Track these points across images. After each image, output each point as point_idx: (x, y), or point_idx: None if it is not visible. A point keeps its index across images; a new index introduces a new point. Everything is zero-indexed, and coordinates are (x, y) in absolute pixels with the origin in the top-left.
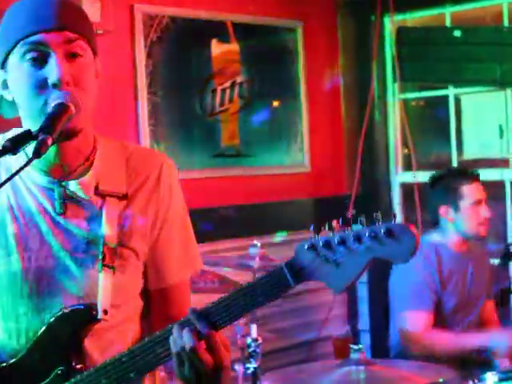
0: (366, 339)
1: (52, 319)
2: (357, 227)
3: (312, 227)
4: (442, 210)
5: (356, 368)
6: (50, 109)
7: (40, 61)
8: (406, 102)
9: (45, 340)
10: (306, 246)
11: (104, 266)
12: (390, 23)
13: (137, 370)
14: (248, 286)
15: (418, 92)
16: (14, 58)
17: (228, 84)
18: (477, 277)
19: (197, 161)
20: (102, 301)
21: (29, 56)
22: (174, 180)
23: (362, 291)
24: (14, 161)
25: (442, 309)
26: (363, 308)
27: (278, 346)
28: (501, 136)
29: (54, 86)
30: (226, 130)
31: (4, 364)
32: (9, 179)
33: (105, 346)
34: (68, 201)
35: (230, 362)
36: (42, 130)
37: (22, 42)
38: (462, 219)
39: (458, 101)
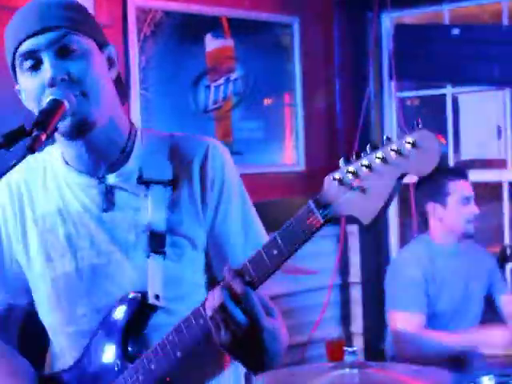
0: (358, 342)
1: (104, 317)
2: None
3: (341, 160)
4: (430, 207)
5: (350, 371)
6: (43, 105)
7: (35, 67)
8: (402, 101)
9: (101, 336)
10: (331, 178)
11: (152, 252)
12: (387, 20)
13: (183, 347)
14: (279, 233)
15: (414, 91)
16: (18, 70)
17: (222, 80)
18: (473, 276)
19: None
20: (151, 287)
21: (25, 66)
22: (226, 160)
23: (356, 293)
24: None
25: (436, 309)
26: (357, 310)
27: None
28: (499, 136)
29: (50, 86)
30: (220, 127)
31: (64, 369)
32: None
33: None
34: (111, 194)
35: (273, 324)
36: (35, 125)
37: (17, 54)
38: (449, 216)
39: (455, 100)
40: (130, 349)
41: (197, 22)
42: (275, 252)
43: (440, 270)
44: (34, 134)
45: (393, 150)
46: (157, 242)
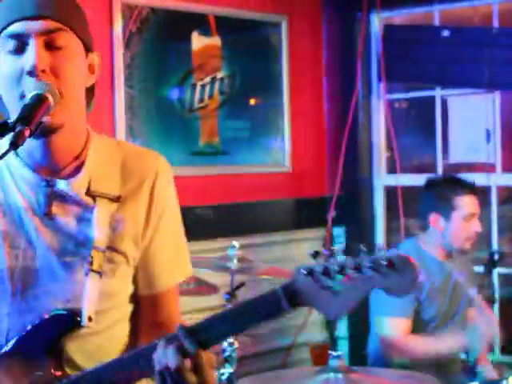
0: (343, 347)
1: (33, 324)
2: (358, 257)
3: (311, 252)
4: (432, 217)
5: (334, 375)
6: (27, 99)
7: (19, 50)
8: (390, 103)
9: (24, 345)
10: (304, 271)
11: (91, 270)
12: (377, 20)
13: (118, 381)
14: (241, 306)
15: (403, 92)
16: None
17: (208, 79)
18: (459, 286)
19: (174, 158)
20: (87, 307)
21: (9, 46)
22: (170, 185)
23: None
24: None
25: (421, 316)
26: None
27: (253, 351)
28: (488, 140)
29: (29, 73)
30: (205, 127)
31: None
32: None
33: (91, 350)
34: (57, 200)
35: (215, 382)
36: (18, 120)
37: (3, 33)
38: (450, 230)
39: (444, 102)
40: (50, 363)
41: (183, 19)
42: (235, 321)
43: (429, 276)
44: (18, 129)
45: (370, 265)
46: (96, 260)
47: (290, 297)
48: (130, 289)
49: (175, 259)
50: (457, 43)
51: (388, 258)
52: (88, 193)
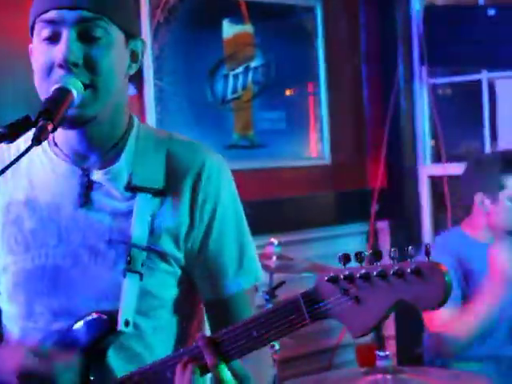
0: (391, 346)
1: (69, 328)
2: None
3: (338, 258)
4: (478, 197)
5: (382, 376)
6: (49, 93)
7: (53, 39)
8: (434, 88)
9: (61, 349)
10: (326, 278)
11: (130, 271)
12: (418, 1)
13: None
14: (261, 317)
15: (447, 76)
16: (34, 38)
17: (241, 69)
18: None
19: None
20: (124, 310)
21: (44, 34)
22: (223, 182)
23: None
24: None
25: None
26: None
27: (297, 353)
28: None
29: (59, 66)
30: (239, 119)
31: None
32: (5, 169)
33: (129, 357)
34: (93, 192)
35: None
36: (41, 115)
37: (39, 19)
38: (497, 212)
39: (491, 86)
40: (89, 369)
41: (213, 6)
42: (255, 334)
43: (474, 263)
44: (40, 123)
45: (395, 272)
46: (135, 260)
47: (312, 306)
48: (173, 291)
49: (239, 261)
50: (503, 22)
51: (415, 266)
52: (128, 186)
